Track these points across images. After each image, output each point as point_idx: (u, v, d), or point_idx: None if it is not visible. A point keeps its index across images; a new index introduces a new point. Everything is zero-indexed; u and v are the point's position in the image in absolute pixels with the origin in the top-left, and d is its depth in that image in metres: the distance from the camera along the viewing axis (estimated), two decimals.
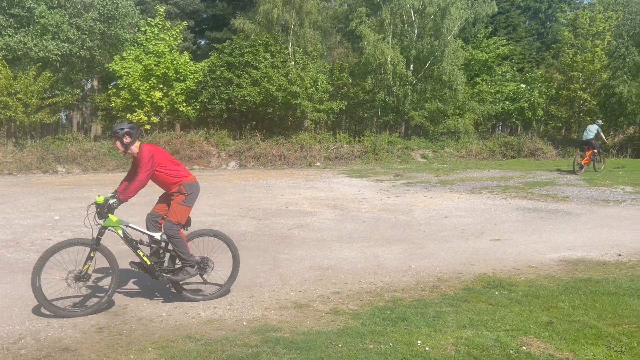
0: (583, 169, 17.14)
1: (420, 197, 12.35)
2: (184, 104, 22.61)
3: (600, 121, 18.60)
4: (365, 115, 26.67)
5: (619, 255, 7.08)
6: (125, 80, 21.75)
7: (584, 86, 27.14)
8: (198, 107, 22.85)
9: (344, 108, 24.09)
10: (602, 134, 17.90)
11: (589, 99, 26.82)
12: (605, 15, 26.92)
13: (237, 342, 4.19)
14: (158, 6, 23.61)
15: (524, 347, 4.04)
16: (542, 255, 7.14)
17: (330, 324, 4.64)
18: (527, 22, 40.42)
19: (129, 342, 4.23)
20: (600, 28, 26.52)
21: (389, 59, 23.74)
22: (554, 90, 27.59)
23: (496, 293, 5.44)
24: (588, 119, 28.04)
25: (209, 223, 9.12)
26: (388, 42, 24.25)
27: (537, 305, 5.04)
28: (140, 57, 22.25)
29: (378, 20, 24.58)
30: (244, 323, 4.68)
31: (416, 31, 25.17)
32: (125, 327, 4.58)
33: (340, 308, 5.05)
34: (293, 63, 23.81)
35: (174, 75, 22.42)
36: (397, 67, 23.75)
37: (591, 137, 17.37)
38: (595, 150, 17.42)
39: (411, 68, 24.83)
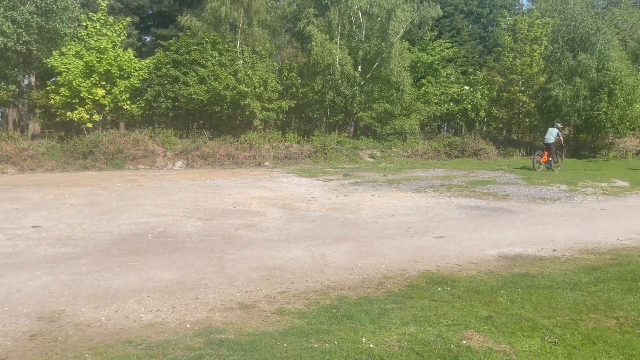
0: (542, 167, 18.65)
1: (368, 196, 12.51)
2: (128, 102, 21.96)
3: (559, 124, 20.19)
4: (315, 115, 26.77)
5: (554, 250, 7.41)
6: (65, 77, 20.88)
7: (523, 89, 28.28)
8: (143, 105, 22.24)
9: (293, 106, 24.08)
10: (560, 137, 19.31)
11: (528, 101, 27.97)
12: (543, 21, 28.16)
13: (179, 345, 4.10)
14: (100, 0, 22.78)
15: (464, 341, 4.16)
16: (483, 251, 7.38)
17: (275, 324, 4.61)
18: (470, 27, 41.66)
19: (65, 349, 4.06)
20: (538, 33, 27.72)
21: (337, 59, 23.92)
22: (495, 93, 28.61)
23: (439, 289, 5.57)
24: (527, 120, 29.31)
25: (153, 224, 8.90)
26: (336, 43, 24.43)
27: (477, 300, 5.19)
28: (81, 53, 21.42)
29: (326, 21, 24.73)
30: (187, 326, 4.58)
31: (364, 32, 25.49)
32: (60, 333, 4.39)
33: (286, 308, 5.03)
34: (241, 62, 23.58)
35: (118, 72, 21.74)
36: (345, 67, 23.98)
37: (552, 141, 18.80)
38: (551, 152, 18.75)
39: (359, 69, 25.12)
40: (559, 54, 24.20)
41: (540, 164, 18.71)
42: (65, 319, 4.70)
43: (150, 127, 21.85)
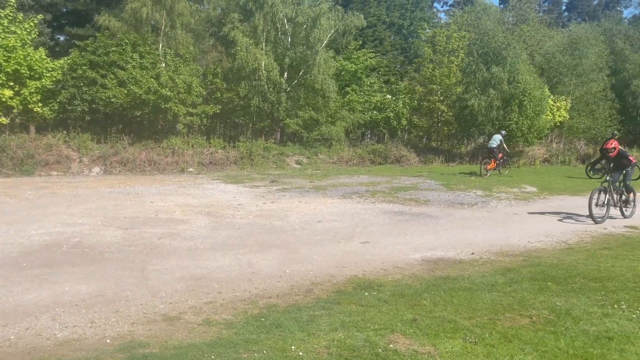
0: (489, 173, 19.92)
1: (295, 202, 12.53)
2: (40, 104, 20.64)
3: (503, 132, 21.81)
4: (240, 120, 26.48)
5: (472, 253, 7.77)
6: None
7: (441, 98, 29.54)
8: (56, 108, 20.99)
9: (218, 112, 23.69)
10: (503, 144, 20.74)
11: (446, 110, 29.25)
12: (459, 34, 29.62)
13: None
14: None
15: (391, 345, 4.25)
16: (406, 255, 7.60)
17: (202, 335, 4.49)
18: (392, 37, 43.08)
19: None
20: (455, 46, 29.12)
21: (263, 65, 23.84)
22: (416, 102, 29.69)
23: (366, 294, 5.66)
24: (445, 129, 30.63)
25: (68, 234, 8.41)
26: (262, 49, 24.35)
27: (402, 303, 5.33)
28: None
29: (251, 26, 24.59)
30: (108, 341, 4.35)
31: (289, 39, 25.59)
32: None
33: (213, 318, 4.91)
34: (164, 65, 22.89)
35: (28, 72, 20.38)
36: (271, 73, 23.94)
37: (494, 145, 20.20)
38: (495, 156, 20.14)
39: (285, 75, 25.16)
40: (474, 66, 25.52)
41: (487, 170, 19.94)
42: None
43: (65, 131, 20.66)
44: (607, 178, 10.81)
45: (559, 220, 10.81)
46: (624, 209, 11.15)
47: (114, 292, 5.64)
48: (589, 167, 18.78)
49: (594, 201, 10.36)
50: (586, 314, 5.04)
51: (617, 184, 11.06)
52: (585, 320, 4.87)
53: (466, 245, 8.29)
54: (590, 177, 17.98)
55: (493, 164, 20.08)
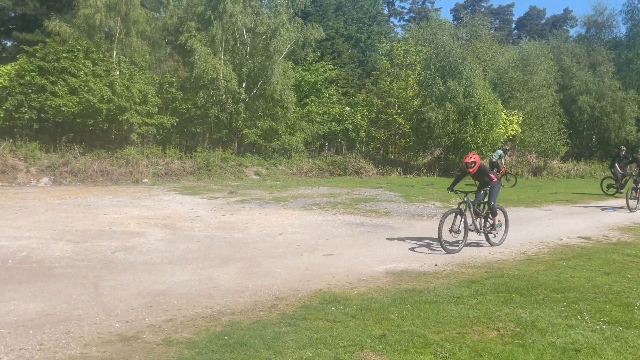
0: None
1: (256, 214, 12.29)
2: None
3: (506, 147, 23.04)
4: (198, 130, 25.98)
5: (436, 265, 7.76)
6: None
7: (399, 111, 29.97)
8: (2, 115, 19.98)
9: (175, 124, 23.16)
10: (502, 159, 21.35)
11: (403, 122, 29.66)
12: (416, 49, 30.18)
13: None
14: None
15: None
16: (371, 268, 7.51)
17: (162, 356, 4.24)
18: (350, 50, 43.54)
19: None
20: (412, 60, 29.64)
21: (221, 75, 23.53)
22: (374, 114, 29.97)
23: (332, 309, 5.52)
24: (402, 141, 31.05)
25: (13, 248, 7.90)
26: (220, 58, 24.04)
27: (370, 318, 5.22)
28: None
29: (209, 35, 24.26)
30: None
31: (248, 49, 25.39)
32: None
33: (174, 337, 4.65)
34: (118, 72, 22.23)
35: None
36: (229, 83, 23.64)
37: (495, 159, 21.00)
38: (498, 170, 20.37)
39: (244, 86, 24.91)
40: (431, 80, 26.01)
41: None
42: None
43: (11, 140, 19.68)
44: (465, 199, 9.08)
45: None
46: (489, 235, 9.35)
47: (65, 311, 5.28)
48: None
49: (446, 226, 8.56)
50: (551, 326, 5.07)
51: (481, 205, 9.36)
52: (551, 332, 4.89)
53: (429, 257, 8.28)
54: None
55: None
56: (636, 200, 15.27)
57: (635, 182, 15.67)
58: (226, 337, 4.63)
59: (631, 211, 14.69)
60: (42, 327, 4.80)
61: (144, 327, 4.90)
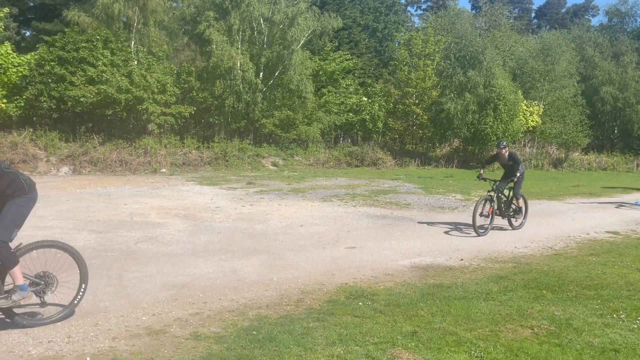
0: None
1: (275, 205, 12.22)
2: (4, 101, 19.78)
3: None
4: (215, 120, 25.99)
5: (462, 259, 7.61)
6: None
7: (417, 102, 29.66)
8: (22, 104, 20.15)
9: (193, 113, 23.17)
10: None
11: (421, 113, 29.37)
12: (435, 38, 29.78)
13: None
14: None
15: None
16: (395, 262, 7.39)
17: (191, 351, 4.17)
18: (367, 40, 43.11)
19: None
20: (431, 50, 29.26)
21: (238, 64, 23.44)
22: (392, 104, 29.70)
23: (360, 304, 5.42)
24: (420, 131, 30.76)
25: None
26: (237, 48, 23.94)
27: (399, 314, 5.10)
28: None
29: (227, 25, 24.16)
30: (87, 358, 3.99)
31: (265, 39, 25.25)
32: None
33: (201, 331, 4.59)
34: (136, 62, 22.25)
35: None
36: (246, 73, 23.56)
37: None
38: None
39: (261, 75, 24.80)
40: (450, 70, 25.67)
41: None
42: None
43: (31, 129, 19.85)
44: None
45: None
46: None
47: (91, 303, 5.26)
48: None
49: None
50: (587, 325, 4.91)
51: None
52: (587, 332, 4.74)
53: (454, 251, 8.14)
54: None
55: None
56: None
57: None
58: (254, 332, 4.55)
59: None
60: (70, 319, 4.76)
61: (170, 321, 4.84)
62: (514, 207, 10.21)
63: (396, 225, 10.28)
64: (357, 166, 24.89)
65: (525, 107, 28.33)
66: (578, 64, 32.47)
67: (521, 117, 27.41)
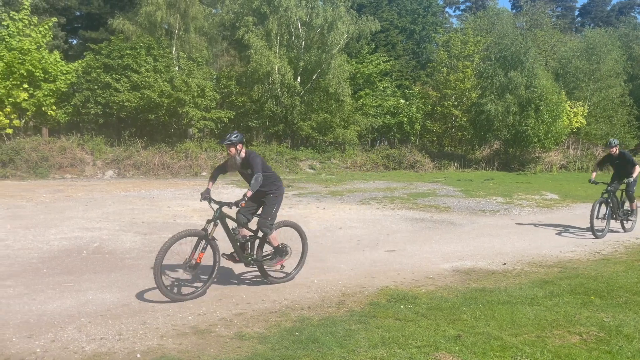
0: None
1: (313, 208, 12.29)
2: (54, 107, 20.57)
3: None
4: (253, 124, 26.33)
5: (504, 264, 7.48)
6: None
7: (455, 103, 29.26)
8: (70, 110, 20.92)
9: (232, 117, 23.54)
10: None
11: (460, 115, 28.95)
12: (475, 39, 29.32)
13: None
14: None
15: None
16: (436, 265, 7.33)
17: (236, 350, 4.25)
18: (404, 42, 42.80)
19: None
20: (471, 51, 28.83)
21: (276, 68, 23.69)
22: (430, 106, 29.38)
23: (401, 307, 5.40)
24: (459, 134, 30.32)
25: (86, 239, 8.22)
26: (276, 52, 24.20)
27: (442, 318, 5.07)
28: (1, 54, 19.85)
29: (265, 30, 24.46)
30: (138, 355, 4.13)
31: (303, 43, 25.43)
32: None
33: (246, 332, 4.67)
34: (177, 68, 22.80)
35: (42, 75, 20.34)
36: (285, 77, 23.77)
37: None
38: None
39: (299, 79, 24.99)
40: (491, 70, 25.22)
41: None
42: None
43: (78, 134, 20.59)
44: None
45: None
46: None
47: (139, 302, 5.43)
48: None
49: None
50: (638, 332, 4.76)
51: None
52: (638, 339, 4.59)
53: (496, 255, 8.01)
54: None
55: None
56: None
57: None
58: (297, 333, 4.61)
59: None
60: (120, 317, 4.93)
61: (215, 321, 4.95)
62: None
63: (436, 229, 10.18)
64: (394, 169, 24.74)
65: (569, 108, 27.56)
66: (625, 63, 31.36)
67: (565, 118, 26.67)
